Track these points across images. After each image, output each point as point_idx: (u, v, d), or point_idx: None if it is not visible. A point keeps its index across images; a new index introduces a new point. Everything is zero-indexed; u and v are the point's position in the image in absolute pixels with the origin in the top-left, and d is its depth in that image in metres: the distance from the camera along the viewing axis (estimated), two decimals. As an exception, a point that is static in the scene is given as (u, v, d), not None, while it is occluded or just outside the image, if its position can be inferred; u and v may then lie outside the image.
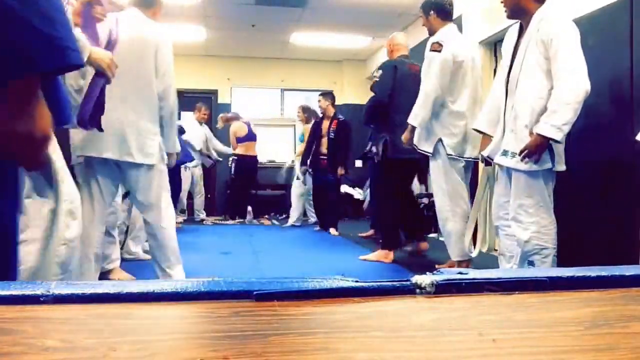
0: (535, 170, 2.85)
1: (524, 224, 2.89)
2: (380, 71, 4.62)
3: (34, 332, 0.59)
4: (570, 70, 2.75)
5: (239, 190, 8.24)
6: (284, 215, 8.90)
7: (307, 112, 7.81)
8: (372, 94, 4.75)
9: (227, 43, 8.81)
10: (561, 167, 2.92)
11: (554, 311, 0.70)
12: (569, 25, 2.86)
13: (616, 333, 0.65)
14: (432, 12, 4.03)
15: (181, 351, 0.57)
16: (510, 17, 3.08)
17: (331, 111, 6.96)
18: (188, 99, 8.19)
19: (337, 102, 9.52)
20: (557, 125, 2.75)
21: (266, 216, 8.76)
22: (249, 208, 8.40)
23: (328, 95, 7.08)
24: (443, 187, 3.93)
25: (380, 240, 4.90)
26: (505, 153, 2.99)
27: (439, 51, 3.85)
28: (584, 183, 3.70)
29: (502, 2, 3.05)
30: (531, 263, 2.87)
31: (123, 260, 3.94)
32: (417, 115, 3.90)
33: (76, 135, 2.93)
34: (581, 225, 3.72)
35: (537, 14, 2.90)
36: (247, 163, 8.02)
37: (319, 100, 7.03)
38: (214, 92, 9.65)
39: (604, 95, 3.46)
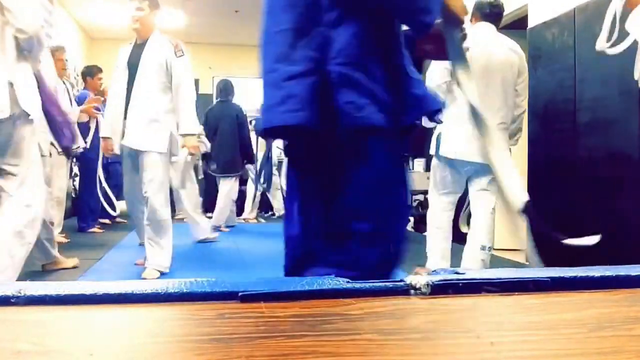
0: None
1: None
2: None
3: (4, 335, 0.59)
4: None
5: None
6: (269, 212, 8.89)
7: None
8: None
9: (209, 29, 8.77)
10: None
11: (555, 313, 0.71)
12: None
13: (621, 336, 0.66)
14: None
15: (163, 355, 0.57)
16: None
17: None
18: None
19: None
20: None
21: (252, 213, 8.73)
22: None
23: None
24: None
25: None
26: None
27: None
28: (591, 177, 3.73)
29: None
30: None
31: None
32: None
33: None
34: (587, 222, 3.75)
35: None
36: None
37: None
38: (195, 82, 9.55)
39: (612, 86, 3.49)
